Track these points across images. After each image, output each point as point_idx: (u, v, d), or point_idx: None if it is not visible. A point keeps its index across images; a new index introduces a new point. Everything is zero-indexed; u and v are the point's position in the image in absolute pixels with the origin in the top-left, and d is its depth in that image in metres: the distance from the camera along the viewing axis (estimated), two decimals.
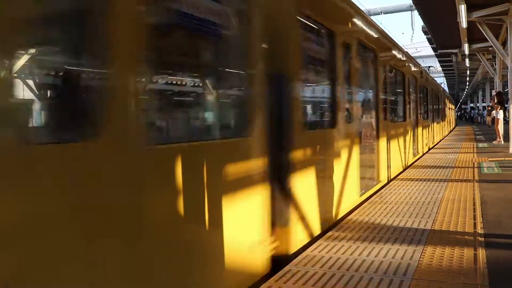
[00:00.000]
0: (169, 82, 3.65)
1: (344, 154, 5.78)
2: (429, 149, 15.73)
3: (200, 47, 3.74)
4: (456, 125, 41.86)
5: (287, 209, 4.11)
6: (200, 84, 3.97)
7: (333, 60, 5.50)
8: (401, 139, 10.01)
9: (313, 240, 4.55)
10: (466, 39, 18.52)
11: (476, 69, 35.82)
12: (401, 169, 9.80)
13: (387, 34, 9.17)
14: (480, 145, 16.45)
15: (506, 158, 11.26)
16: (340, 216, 5.51)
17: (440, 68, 47.41)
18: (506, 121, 18.44)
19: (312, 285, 3.31)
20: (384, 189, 7.31)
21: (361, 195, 6.52)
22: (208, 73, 3.86)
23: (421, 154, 13.22)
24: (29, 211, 1.85)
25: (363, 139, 6.75)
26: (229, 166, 3.33)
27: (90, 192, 2.13)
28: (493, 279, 3.31)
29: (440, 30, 20.37)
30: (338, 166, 5.54)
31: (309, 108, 5.67)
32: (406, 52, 11.58)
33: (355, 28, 6.47)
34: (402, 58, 10.43)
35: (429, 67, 38.48)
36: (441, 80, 47.17)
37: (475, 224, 4.90)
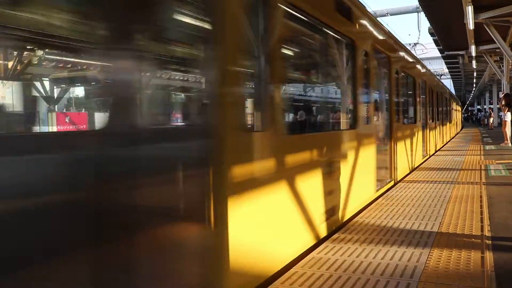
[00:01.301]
0: None
1: (420, 136, 11.77)
2: (436, 151, 15.66)
3: None
4: (462, 127, 41.66)
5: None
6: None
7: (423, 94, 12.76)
8: (436, 132, 16.21)
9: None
10: (473, 41, 18.44)
11: (483, 71, 35.65)
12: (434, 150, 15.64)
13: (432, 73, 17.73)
14: (487, 147, 16.35)
15: None
16: (424, 158, 12.46)
17: (446, 70, 47.19)
18: None
19: (318, 287, 3.30)
20: (390, 191, 7.30)
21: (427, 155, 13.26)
22: None
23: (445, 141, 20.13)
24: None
25: (422, 131, 12.34)
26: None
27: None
28: (500, 283, 3.29)
29: (446, 32, 20.29)
30: (418, 141, 11.49)
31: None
32: (438, 79, 20.36)
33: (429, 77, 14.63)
34: (437, 83, 18.01)
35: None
36: (447, 82, 46.91)
37: (482, 227, 4.87)
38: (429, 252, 4.02)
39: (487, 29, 16.46)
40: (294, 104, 6.35)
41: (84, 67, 5.16)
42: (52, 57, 4.85)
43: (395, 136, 8.29)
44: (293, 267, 3.74)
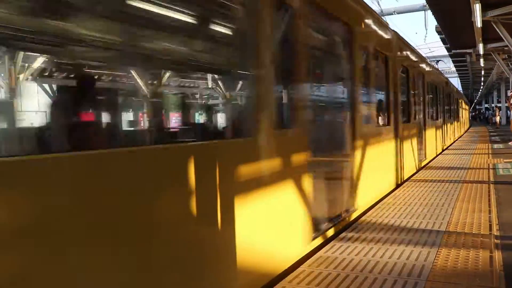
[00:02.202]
0: None
1: (449, 129, 17.30)
2: (443, 150, 15.57)
3: None
4: (470, 126, 41.42)
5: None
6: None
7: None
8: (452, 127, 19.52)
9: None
10: (480, 39, 18.28)
11: (491, 69, 35.35)
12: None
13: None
14: (496, 146, 16.23)
15: None
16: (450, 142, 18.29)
17: (454, 68, 46.91)
18: None
19: (325, 286, 3.30)
20: (397, 190, 7.27)
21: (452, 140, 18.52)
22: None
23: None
24: None
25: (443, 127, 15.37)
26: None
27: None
28: (509, 282, 3.26)
29: (454, 30, 20.12)
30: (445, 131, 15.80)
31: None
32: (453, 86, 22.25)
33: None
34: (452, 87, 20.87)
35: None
36: (455, 80, 46.65)
37: (490, 226, 4.84)
38: (437, 251, 4.00)
39: (495, 27, 16.31)
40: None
41: None
42: None
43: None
44: (301, 266, 3.74)
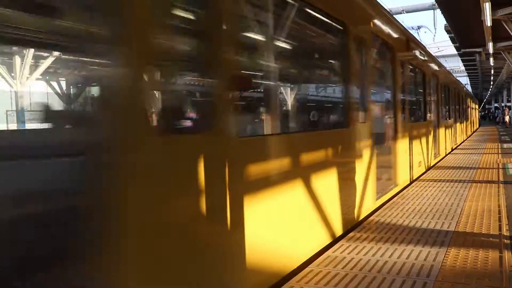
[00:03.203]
0: None
1: (462, 126, 20.52)
2: (452, 149, 15.48)
3: None
4: (479, 125, 41.12)
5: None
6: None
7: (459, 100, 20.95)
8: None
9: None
10: (490, 38, 18.11)
11: (500, 68, 35.03)
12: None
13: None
14: (505, 145, 16.10)
15: None
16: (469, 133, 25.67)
17: (463, 68, 46.59)
18: None
19: (334, 285, 3.31)
20: (406, 190, 7.25)
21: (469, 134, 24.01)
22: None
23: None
24: None
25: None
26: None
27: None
28: None
29: (463, 29, 19.97)
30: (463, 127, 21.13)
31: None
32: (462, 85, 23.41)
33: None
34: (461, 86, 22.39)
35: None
36: (464, 79, 46.34)
37: (500, 226, 4.81)
38: (446, 251, 3.99)
39: (505, 26, 16.17)
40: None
41: None
42: None
43: None
44: (309, 266, 3.75)
